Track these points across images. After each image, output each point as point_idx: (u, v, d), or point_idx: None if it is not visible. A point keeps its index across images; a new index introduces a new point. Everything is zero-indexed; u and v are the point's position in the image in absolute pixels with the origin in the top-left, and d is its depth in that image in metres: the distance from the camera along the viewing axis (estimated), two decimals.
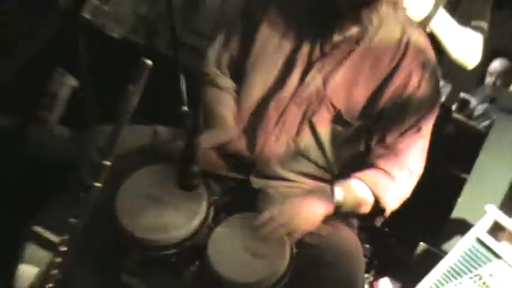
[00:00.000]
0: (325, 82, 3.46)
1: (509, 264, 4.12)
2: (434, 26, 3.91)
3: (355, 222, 3.52)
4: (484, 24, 4.30)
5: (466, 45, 4.23)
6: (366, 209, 3.40)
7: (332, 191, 3.32)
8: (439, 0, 4.05)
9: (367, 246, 4.18)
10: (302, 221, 3.21)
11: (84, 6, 5.50)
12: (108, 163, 2.90)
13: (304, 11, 3.55)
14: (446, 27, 4.04)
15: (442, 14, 4.02)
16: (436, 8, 3.97)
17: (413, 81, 3.46)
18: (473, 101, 4.80)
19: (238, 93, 3.59)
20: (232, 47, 3.63)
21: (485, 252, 4.19)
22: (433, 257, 4.32)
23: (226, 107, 3.52)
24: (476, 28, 4.25)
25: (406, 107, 3.46)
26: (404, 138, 3.46)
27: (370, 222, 3.58)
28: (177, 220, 3.20)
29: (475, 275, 4.16)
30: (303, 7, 3.56)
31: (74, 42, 5.24)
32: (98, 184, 2.93)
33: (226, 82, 3.63)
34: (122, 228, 3.17)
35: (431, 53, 3.58)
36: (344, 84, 3.46)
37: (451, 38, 4.09)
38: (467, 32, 4.22)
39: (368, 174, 3.39)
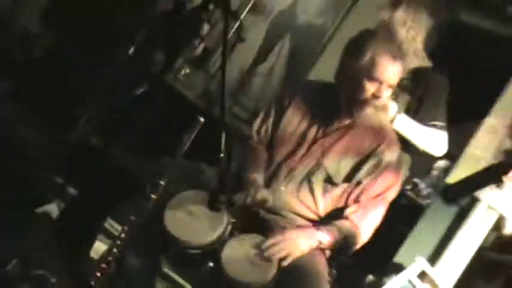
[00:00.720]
0: (323, 154, 3.47)
1: None
2: (397, 127, 3.84)
3: (327, 252, 3.43)
4: (443, 123, 4.19)
5: (429, 140, 4.13)
6: (337, 246, 3.39)
7: (323, 231, 3.32)
8: (400, 107, 3.98)
9: (333, 270, 4.13)
10: (296, 249, 3.19)
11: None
12: (163, 183, 2.91)
13: (317, 104, 3.57)
14: (407, 127, 3.97)
15: (402, 118, 3.95)
16: (398, 112, 3.90)
17: (384, 162, 3.43)
18: (422, 185, 4.74)
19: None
20: (268, 122, 3.63)
21: None
22: (377, 286, 4.24)
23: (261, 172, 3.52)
24: (436, 126, 4.15)
25: (378, 179, 3.45)
26: (373, 201, 3.44)
27: (337, 255, 3.53)
28: (203, 230, 3.22)
29: None
30: (317, 101, 3.57)
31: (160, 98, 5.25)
32: (154, 196, 2.93)
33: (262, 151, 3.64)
34: (166, 230, 3.19)
35: (397, 144, 3.57)
36: (336, 157, 3.46)
37: (412, 136, 4.02)
38: (429, 130, 4.12)
39: (344, 224, 3.37)
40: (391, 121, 3.82)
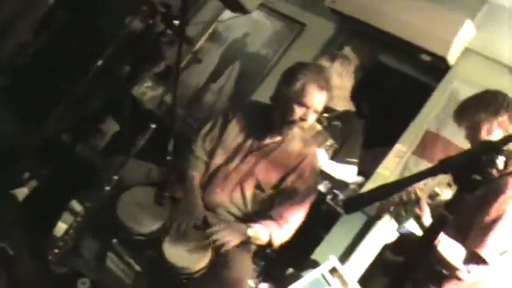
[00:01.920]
0: (255, 164, 3.49)
1: None
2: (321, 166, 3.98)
3: (252, 247, 3.44)
4: (355, 159, 4.39)
5: (342, 173, 4.27)
6: (263, 242, 3.39)
7: (251, 227, 3.33)
8: (328, 152, 4.10)
9: (260, 262, 4.15)
10: (230, 239, 3.23)
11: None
12: (116, 177, 2.91)
13: (255, 121, 3.59)
14: (328, 166, 4.08)
15: (327, 162, 4.07)
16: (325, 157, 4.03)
17: (305, 176, 3.48)
18: (340, 196, 4.79)
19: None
20: (214, 132, 3.63)
21: (324, 282, 4.17)
22: (296, 277, 4.26)
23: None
24: (350, 162, 4.28)
25: (298, 190, 3.47)
26: (295, 205, 3.46)
27: (264, 249, 3.54)
28: (148, 220, 3.25)
29: None
30: (255, 119, 3.59)
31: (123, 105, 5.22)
32: (108, 188, 2.93)
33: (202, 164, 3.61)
34: (117, 217, 3.21)
35: (316, 164, 3.62)
36: (265, 168, 3.49)
37: (330, 171, 4.14)
38: (344, 166, 4.27)
39: (270, 223, 3.39)
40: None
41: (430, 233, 1.68)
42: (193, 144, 3.63)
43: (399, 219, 2.91)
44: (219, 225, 3.27)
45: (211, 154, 3.59)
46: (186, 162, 3.55)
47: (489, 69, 4.86)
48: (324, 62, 4.36)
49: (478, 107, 3.08)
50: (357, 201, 1.84)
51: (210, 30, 6.20)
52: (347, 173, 4.31)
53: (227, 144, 3.57)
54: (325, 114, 4.35)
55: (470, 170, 1.65)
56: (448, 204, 1.67)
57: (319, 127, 4.12)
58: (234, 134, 3.58)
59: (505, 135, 2.58)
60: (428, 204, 2.88)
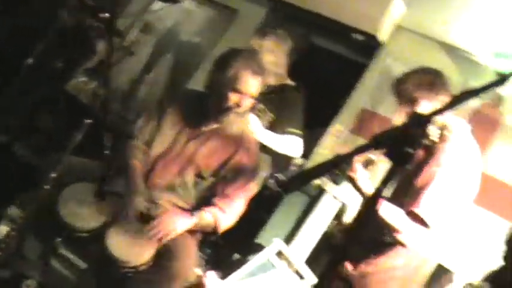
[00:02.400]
0: (195, 152, 3.48)
1: (282, 274, 4.15)
2: (258, 138, 3.91)
3: (198, 235, 3.46)
4: (298, 130, 4.29)
5: (286, 145, 4.23)
6: (208, 229, 3.41)
7: (194, 216, 3.33)
8: (263, 121, 4.08)
9: (207, 250, 4.17)
10: (172, 230, 3.23)
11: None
12: (54, 175, 2.88)
13: (191, 109, 3.58)
14: (267, 138, 4.06)
15: (263, 131, 4.04)
16: (260, 126, 4.00)
17: (244, 161, 3.48)
18: (282, 179, 4.82)
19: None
20: (150, 124, 3.60)
21: (270, 265, 4.21)
22: (242, 263, 4.29)
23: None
24: (292, 133, 4.25)
25: (239, 174, 3.47)
26: (237, 191, 3.47)
27: (208, 236, 3.54)
28: (90, 217, 3.25)
29: (263, 277, 4.17)
30: (191, 107, 3.58)
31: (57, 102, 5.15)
32: (47, 187, 2.90)
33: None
34: (59, 216, 3.19)
35: (256, 146, 3.63)
36: (205, 154, 3.49)
37: (273, 145, 4.12)
38: (286, 137, 4.22)
39: (213, 209, 3.39)
40: (253, 132, 3.89)
41: (369, 199, 1.70)
42: (131, 137, 3.61)
43: (334, 180, 2.97)
44: (160, 217, 3.27)
45: (150, 145, 3.57)
46: (125, 153, 3.52)
47: (421, 45, 4.97)
48: (256, 41, 4.34)
49: (420, 84, 3.16)
50: (294, 181, 1.87)
51: (142, 22, 6.15)
52: (291, 146, 4.27)
53: (165, 135, 3.55)
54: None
55: (402, 144, 1.69)
56: (384, 177, 1.70)
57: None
58: (171, 124, 3.56)
59: (436, 108, 2.66)
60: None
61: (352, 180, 2.99)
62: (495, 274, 2.55)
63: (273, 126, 4.23)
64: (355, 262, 3.13)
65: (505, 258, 2.57)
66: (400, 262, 3.10)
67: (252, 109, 3.75)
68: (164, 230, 3.21)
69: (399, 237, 2.99)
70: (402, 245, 3.00)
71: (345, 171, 2.98)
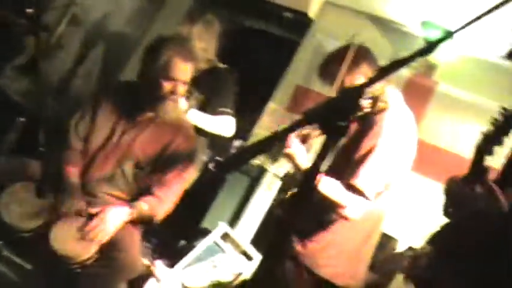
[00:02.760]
0: (132, 142, 3.46)
1: (230, 256, 4.19)
2: (190, 119, 3.91)
3: (140, 226, 3.44)
4: (230, 110, 4.30)
5: (217, 125, 4.24)
6: (147, 219, 3.38)
7: (131, 207, 3.30)
8: (192, 103, 4.07)
9: (153, 239, 4.16)
10: (111, 227, 3.20)
11: None
12: None
13: (125, 100, 3.55)
14: (198, 118, 4.06)
15: (193, 112, 4.04)
16: (190, 107, 3.99)
17: (182, 147, 3.48)
18: (221, 159, 4.82)
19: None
20: (85, 118, 3.56)
21: (217, 248, 4.24)
22: (189, 249, 4.31)
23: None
24: (223, 113, 4.25)
25: (176, 161, 3.46)
26: (175, 178, 3.46)
27: (148, 225, 3.48)
28: (31, 216, 3.22)
29: (211, 261, 4.19)
30: (125, 98, 3.55)
31: None
32: None
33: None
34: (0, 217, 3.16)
35: (192, 133, 3.63)
36: (142, 144, 3.47)
37: (204, 125, 4.12)
38: (218, 117, 4.23)
39: (149, 198, 3.37)
40: (185, 114, 3.88)
41: (307, 174, 1.72)
42: (67, 134, 3.56)
43: (271, 158, 2.99)
44: (97, 217, 3.22)
45: (86, 140, 3.53)
46: (61, 156, 3.48)
47: (351, 19, 5.04)
48: (185, 27, 4.33)
49: (338, 63, 3.19)
50: (231, 162, 1.88)
51: (69, 15, 6.04)
52: (223, 125, 4.29)
53: (101, 127, 3.52)
54: None
55: (335, 118, 1.70)
56: (319, 151, 1.72)
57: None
58: (106, 116, 3.53)
59: (364, 81, 2.70)
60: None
61: (289, 157, 3.00)
62: (435, 236, 2.60)
63: (203, 108, 4.23)
64: (303, 240, 3.16)
65: (445, 211, 2.61)
66: (346, 236, 3.15)
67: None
68: (102, 230, 3.18)
69: (342, 211, 3.03)
70: (346, 218, 3.04)
71: (282, 149, 2.99)
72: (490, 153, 2.48)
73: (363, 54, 3.23)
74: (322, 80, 3.33)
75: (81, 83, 5.79)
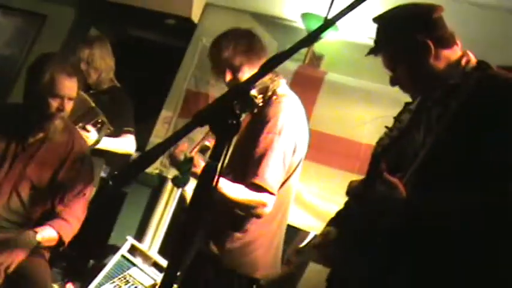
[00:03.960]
0: (25, 166, 3.37)
1: (141, 269, 4.14)
2: (102, 146, 4.01)
3: (45, 253, 3.36)
4: (132, 128, 4.39)
5: (125, 145, 4.32)
6: (54, 243, 3.28)
7: (37, 232, 3.19)
8: (101, 133, 4.08)
9: (62, 263, 4.06)
10: (15, 257, 3.09)
11: None
12: None
13: (14, 123, 3.44)
14: (108, 144, 4.13)
15: (105, 140, 4.08)
16: (100, 136, 4.03)
17: (77, 166, 3.43)
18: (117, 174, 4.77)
19: None
20: None
21: (127, 262, 4.19)
22: (99, 268, 4.23)
23: None
24: (128, 132, 4.31)
25: (74, 179, 3.40)
26: (76, 198, 3.39)
27: (56, 249, 3.37)
28: None
29: (122, 277, 4.13)
30: (13, 121, 3.45)
31: None
32: None
33: None
34: None
35: (86, 149, 3.59)
36: (36, 167, 3.38)
37: (114, 148, 4.23)
38: (123, 139, 4.30)
39: (55, 222, 3.29)
40: (94, 144, 3.97)
41: (203, 177, 1.69)
42: None
43: (178, 183, 2.95)
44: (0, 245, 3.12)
45: None
46: None
47: (233, 19, 5.06)
48: (85, 51, 4.35)
49: (212, 61, 3.20)
50: (126, 172, 1.82)
51: None
52: (126, 143, 4.35)
53: None
54: (92, 91, 4.37)
55: (224, 116, 1.68)
56: (212, 152, 1.69)
57: (92, 104, 4.04)
58: None
59: (248, 77, 2.68)
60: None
61: (195, 175, 2.96)
62: (337, 217, 2.61)
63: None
64: (219, 242, 3.13)
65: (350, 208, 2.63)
66: (260, 231, 3.14)
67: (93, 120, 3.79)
68: (6, 261, 3.07)
69: (252, 211, 3.01)
70: (258, 216, 3.03)
71: (188, 169, 2.94)
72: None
73: (223, 42, 3.21)
74: (217, 81, 3.32)
75: None
